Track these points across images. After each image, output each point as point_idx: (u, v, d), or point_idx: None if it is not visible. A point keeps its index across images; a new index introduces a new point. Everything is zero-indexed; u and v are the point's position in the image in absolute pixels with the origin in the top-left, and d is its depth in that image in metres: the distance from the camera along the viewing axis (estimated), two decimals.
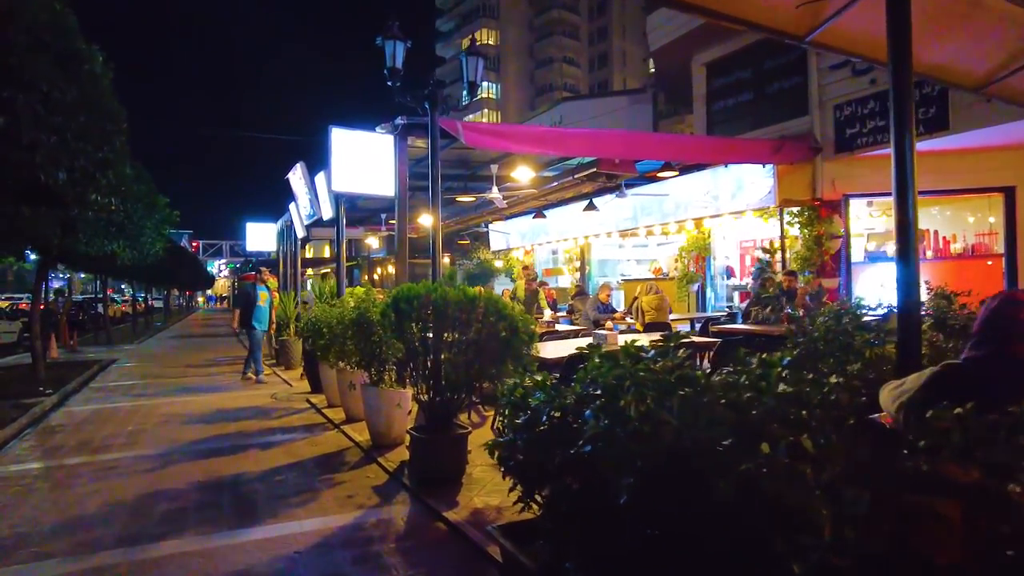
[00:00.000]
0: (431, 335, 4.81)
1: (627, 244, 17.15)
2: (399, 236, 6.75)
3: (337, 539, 3.97)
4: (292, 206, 12.15)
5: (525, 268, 17.32)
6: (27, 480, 5.34)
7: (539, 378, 2.86)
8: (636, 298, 8.85)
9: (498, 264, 29.77)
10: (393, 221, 14.89)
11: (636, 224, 12.74)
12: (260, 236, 16.63)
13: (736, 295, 13.84)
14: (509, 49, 74.87)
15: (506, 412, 2.80)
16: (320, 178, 9.31)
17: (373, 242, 37.63)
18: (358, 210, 13.23)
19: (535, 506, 2.58)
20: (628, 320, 9.34)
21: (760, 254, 14.35)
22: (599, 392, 2.14)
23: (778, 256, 12.53)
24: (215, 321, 36.47)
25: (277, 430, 7.05)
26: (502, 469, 2.61)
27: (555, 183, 9.83)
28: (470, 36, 77.94)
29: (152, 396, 9.55)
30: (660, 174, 9.87)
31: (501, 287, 18.57)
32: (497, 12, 75.71)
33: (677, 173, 10.00)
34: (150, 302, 44.99)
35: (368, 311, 5.89)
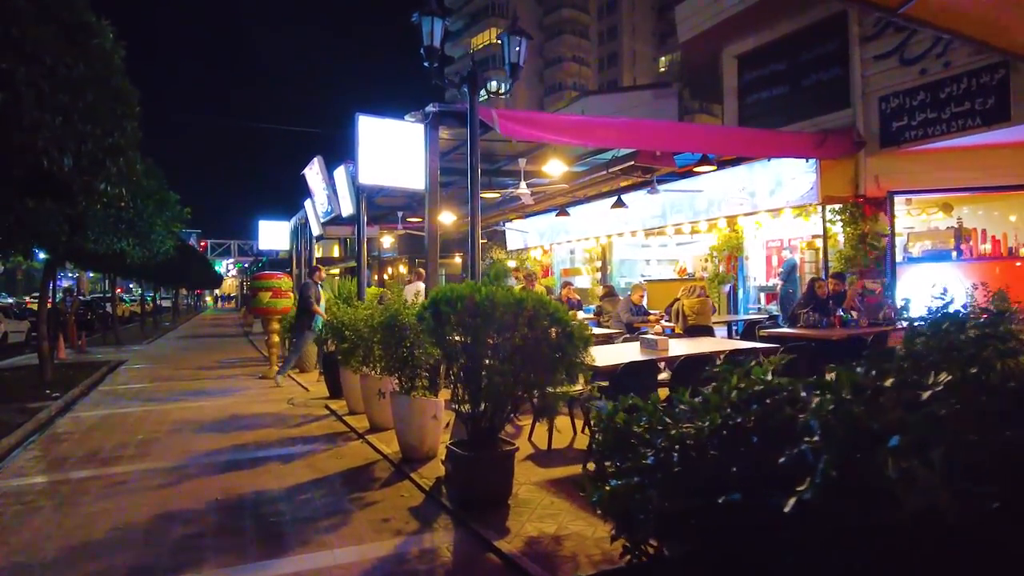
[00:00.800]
0: (472, 340, 4.33)
1: (648, 244, 16.64)
2: (430, 233, 6.26)
3: (379, 574, 3.49)
4: (308, 203, 11.70)
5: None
6: (29, 497, 4.89)
7: (630, 401, 2.37)
8: (677, 300, 8.35)
9: (511, 264, 29.38)
10: (412, 219, 14.48)
11: (665, 222, 12.24)
12: (272, 234, 16.21)
13: (762, 296, 13.33)
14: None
15: (599, 439, 2.31)
16: (340, 172, 8.85)
17: (385, 241, 37.34)
18: (374, 207, 12.78)
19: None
20: (664, 323, 8.84)
21: (787, 254, 13.87)
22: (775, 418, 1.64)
23: (803, 256, 12.04)
24: (223, 321, 36.15)
25: (297, 440, 6.58)
26: (614, 524, 2.06)
27: (587, 177, 9.34)
28: (479, 35, 77.68)
29: (163, 400, 9.11)
30: (697, 168, 9.36)
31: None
32: (507, 11, 75.29)
33: (715, 168, 9.49)
34: (159, 302, 44.84)
35: (399, 313, 5.41)
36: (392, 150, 6.13)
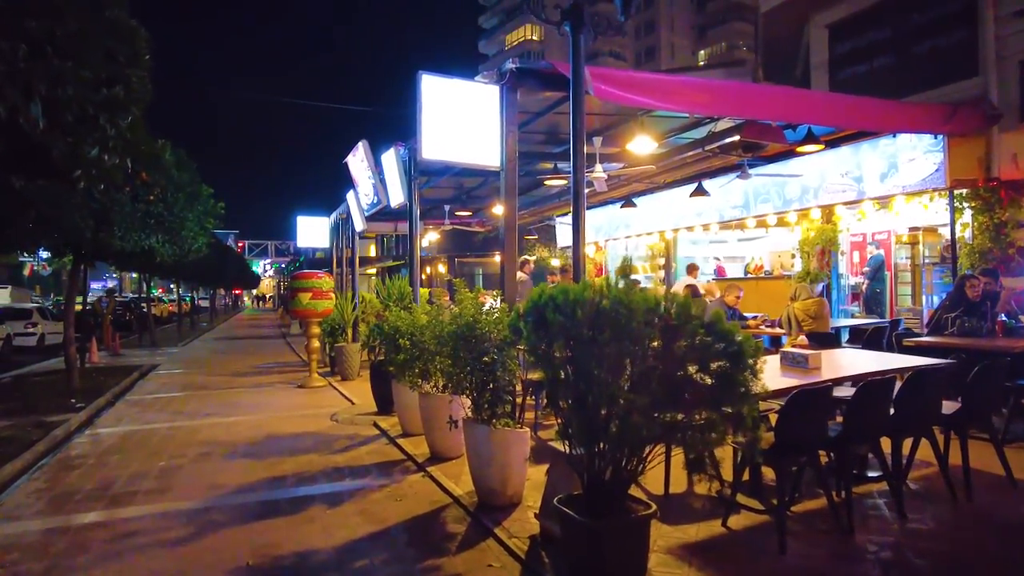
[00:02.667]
0: (592, 359, 3.11)
1: (702, 240, 15.22)
2: (507, 222, 5.07)
3: None
4: (350, 195, 10.65)
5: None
6: (15, 555, 3.84)
7: None
8: (791, 302, 7.00)
9: (555, 263, 28.15)
10: (461, 212, 13.35)
11: (747, 213, 10.84)
12: (311, 231, 15.28)
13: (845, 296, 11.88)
14: (553, 44, 73.20)
15: None
16: (389, 156, 7.74)
17: (424, 239, 36.48)
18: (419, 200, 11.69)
19: None
20: (764, 328, 7.51)
21: (873, 249, 12.34)
22: None
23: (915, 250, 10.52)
24: (261, 322, 35.72)
25: (345, 471, 5.46)
26: None
27: (676, 157, 8.04)
28: (514, 32, 76.59)
29: (192, 415, 8.13)
30: (800, 148, 7.99)
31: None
32: (541, 7, 73.94)
33: (822, 147, 8.10)
34: (197, 302, 44.86)
35: (479, 321, 4.23)
36: (460, 119, 4.97)
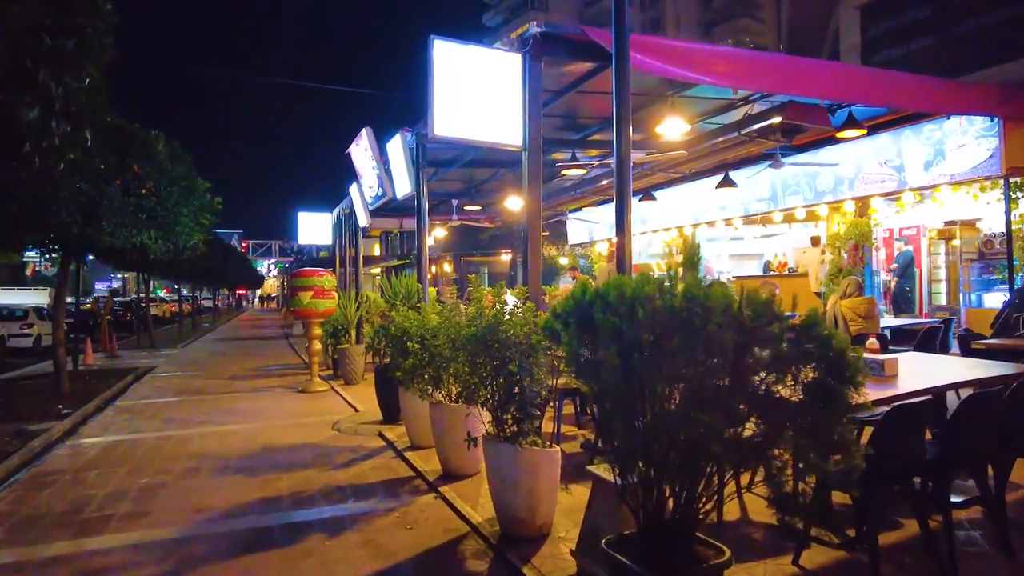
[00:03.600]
0: (652, 369, 2.50)
1: (720, 236, 14.61)
2: (530, 212, 4.44)
3: None
4: (353, 188, 10.06)
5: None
6: None
7: None
8: (838, 300, 6.36)
9: (563, 261, 27.52)
10: (470, 207, 12.75)
11: (774, 206, 10.21)
12: (313, 227, 14.68)
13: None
14: None
15: None
16: (395, 144, 7.14)
17: (429, 237, 35.80)
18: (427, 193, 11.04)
19: None
20: None
21: (901, 245, 11.70)
22: None
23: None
24: (264, 322, 35.21)
25: (347, 490, 4.86)
26: None
27: (709, 143, 7.40)
28: (517, 31, 76.01)
29: (185, 423, 7.55)
30: (841, 134, 7.36)
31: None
32: (546, 5, 73.56)
33: (865, 132, 7.46)
34: (200, 302, 44.39)
35: (502, 323, 3.61)
36: (477, 91, 4.36)
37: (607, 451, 2.70)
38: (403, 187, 7.25)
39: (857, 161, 8.88)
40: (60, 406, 8.65)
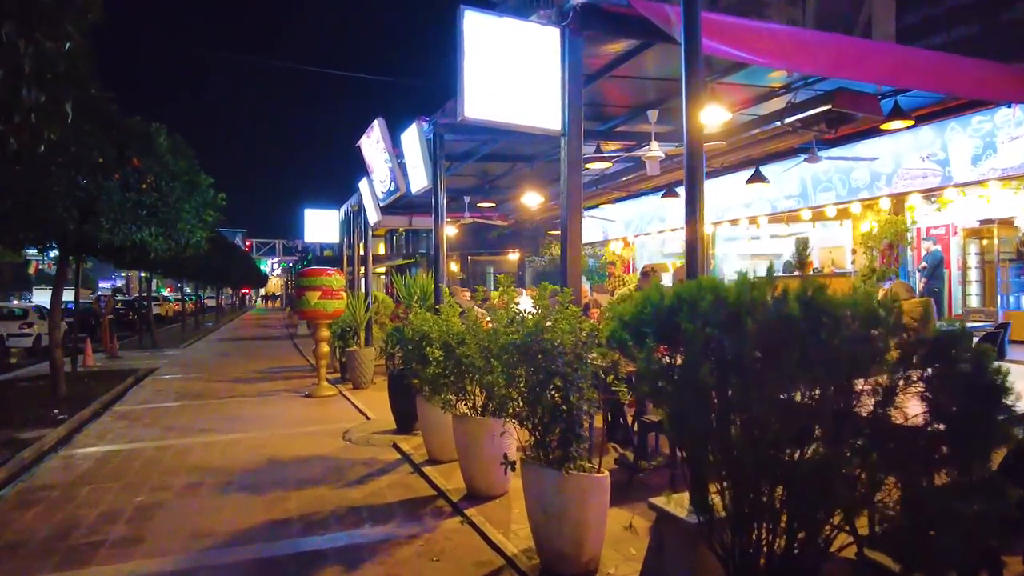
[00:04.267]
0: (757, 390, 2.03)
1: (740, 236, 14.10)
2: (571, 201, 3.96)
3: None
4: (363, 183, 9.60)
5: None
6: None
7: None
8: None
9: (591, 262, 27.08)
10: (483, 204, 12.28)
11: (804, 203, 9.74)
12: (320, 225, 14.23)
13: None
14: None
15: None
16: (410, 134, 6.68)
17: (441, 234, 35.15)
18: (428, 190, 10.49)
19: None
20: None
21: (929, 244, 11.20)
22: None
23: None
24: (269, 321, 34.82)
25: (363, 512, 4.40)
26: None
27: (748, 133, 6.92)
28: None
29: (186, 430, 7.11)
30: (885, 126, 6.88)
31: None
32: None
33: (912, 123, 6.98)
34: (203, 301, 44.04)
35: (548, 330, 3.15)
36: (510, 69, 3.90)
37: (694, 489, 2.23)
38: (418, 181, 6.79)
39: (896, 155, 8.40)
40: (56, 411, 8.25)
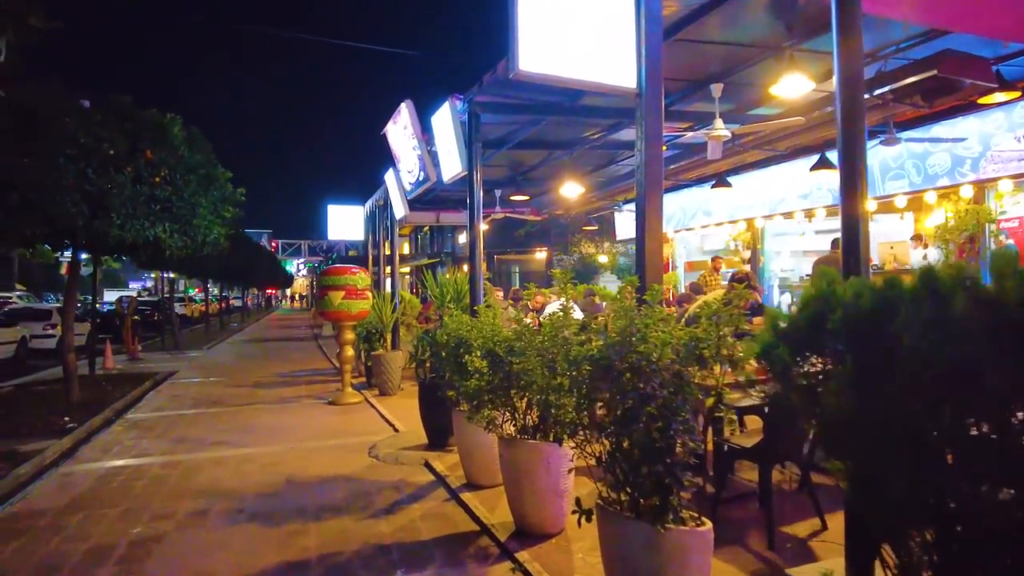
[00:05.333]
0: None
1: (790, 231, 13.12)
2: (650, 173, 3.22)
3: None
4: (389, 175, 8.95)
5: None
6: None
7: None
8: None
9: (603, 259, 26.19)
10: (516, 197, 11.55)
11: (871, 193, 8.81)
12: (344, 222, 13.64)
13: None
14: None
15: None
16: (442, 115, 5.98)
17: (460, 236, 34.48)
18: (462, 185, 9.71)
19: None
20: None
21: (1004, 239, 10.16)
22: None
23: None
24: (293, 322, 34.55)
25: (394, 552, 3.70)
26: None
27: (831, 108, 6.09)
28: None
29: (198, 443, 6.50)
30: (985, 99, 5.99)
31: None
32: None
33: (1019, 94, 6.09)
34: (230, 301, 44.07)
35: (632, 339, 2.40)
36: (573, 12, 3.17)
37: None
38: (451, 167, 6.09)
39: (984, 137, 7.48)
40: (66, 418, 7.75)
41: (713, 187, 9.82)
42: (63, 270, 48.52)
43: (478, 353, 3.93)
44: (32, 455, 6.00)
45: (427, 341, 5.66)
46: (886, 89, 5.26)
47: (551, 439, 3.53)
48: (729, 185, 9.76)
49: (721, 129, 5.85)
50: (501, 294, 9.78)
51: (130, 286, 56.45)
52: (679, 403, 2.32)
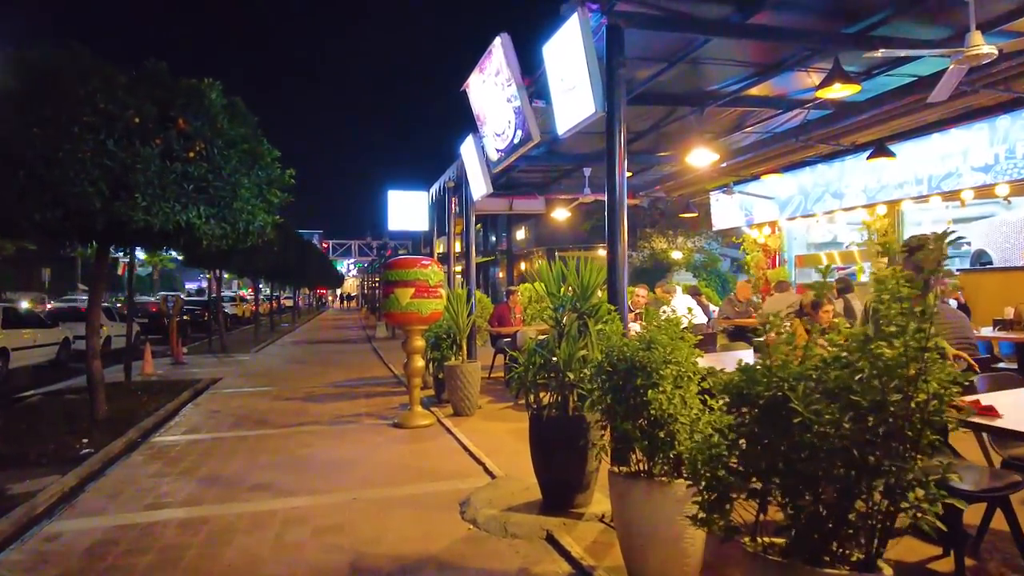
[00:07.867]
0: None
1: (941, 217, 10.91)
2: None
3: None
4: (466, 145, 7.28)
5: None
6: None
7: None
8: None
9: (676, 255, 24.04)
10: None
11: (998, 178, 6.70)
12: (406, 209, 12.06)
13: None
14: None
15: None
16: (565, 36, 4.24)
17: (519, 232, 32.80)
18: (529, 161, 7.85)
19: None
20: None
21: None
22: None
23: None
24: (345, 322, 33.54)
25: None
26: None
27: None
28: None
29: (232, 487, 4.93)
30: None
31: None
32: None
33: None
34: (281, 301, 43.54)
35: None
36: None
37: None
38: (575, 110, 4.35)
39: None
40: (84, 440, 6.46)
41: (870, 158, 7.78)
42: (119, 270, 49.09)
43: (671, 383, 2.16)
44: (21, 501, 4.63)
45: (540, 355, 3.92)
46: None
47: (852, 557, 1.79)
48: (892, 155, 7.68)
49: (980, 45, 3.91)
50: (644, 291, 8.06)
51: (186, 286, 56.83)
52: None
